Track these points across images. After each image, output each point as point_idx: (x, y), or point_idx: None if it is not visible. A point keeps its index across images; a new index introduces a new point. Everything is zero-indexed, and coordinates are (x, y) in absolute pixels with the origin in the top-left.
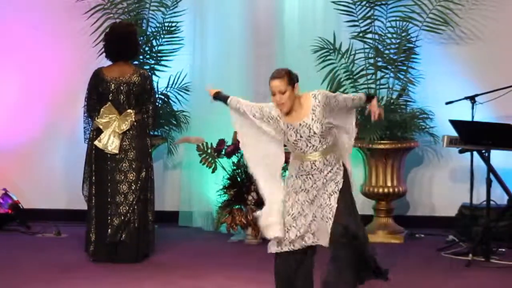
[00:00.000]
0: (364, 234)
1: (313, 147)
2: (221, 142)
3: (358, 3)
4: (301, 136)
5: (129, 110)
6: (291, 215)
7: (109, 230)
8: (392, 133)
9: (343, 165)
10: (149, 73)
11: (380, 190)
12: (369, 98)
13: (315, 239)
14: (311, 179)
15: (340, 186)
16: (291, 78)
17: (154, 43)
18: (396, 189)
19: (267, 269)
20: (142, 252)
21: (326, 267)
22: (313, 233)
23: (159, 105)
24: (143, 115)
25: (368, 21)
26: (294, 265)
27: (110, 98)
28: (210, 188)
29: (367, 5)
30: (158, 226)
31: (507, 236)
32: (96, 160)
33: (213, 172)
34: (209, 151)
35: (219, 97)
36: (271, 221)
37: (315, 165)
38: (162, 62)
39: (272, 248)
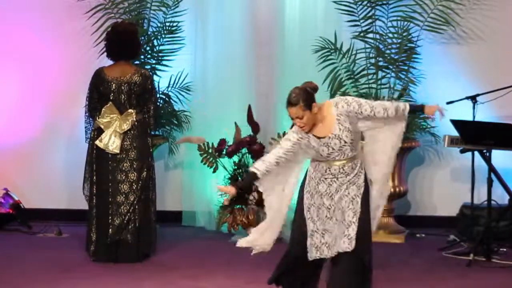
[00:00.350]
0: (370, 260)
1: (345, 155)
2: (222, 142)
3: (359, 3)
4: (333, 149)
5: (130, 110)
6: (320, 219)
7: (110, 230)
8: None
9: (364, 168)
10: (150, 73)
11: None
12: (416, 108)
13: (330, 252)
14: (336, 183)
15: (362, 189)
16: (307, 101)
17: (155, 43)
18: (397, 189)
19: (268, 269)
20: (143, 252)
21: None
22: (328, 245)
23: (160, 104)
24: (144, 115)
25: (369, 21)
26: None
27: (111, 98)
28: (211, 188)
29: (368, 4)
30: (159, 226)
31: (508, 236)
32: (97, 160)
33: (214, 172)
34: (210, 150)
35: (244, 185)
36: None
37: (344, 170)
38: (163, 62)
39: (311, 255)
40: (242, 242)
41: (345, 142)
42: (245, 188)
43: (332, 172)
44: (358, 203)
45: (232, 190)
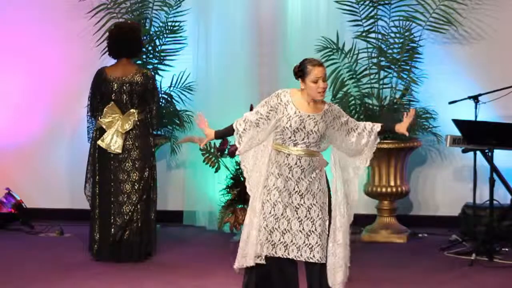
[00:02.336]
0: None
1: (307, 143)
2: (224, 141)
3: (362, 2)
4: (304, 127)
5: (132, 110)
6: (274, 215)
7: (112, 229)
8: (395, 132)
9: (326, 178)
10: (152, 73)
11: (383, 189)
12: (386, 128)
13: (299, 254)
14: (292, 180)
15: (327, 195)
16: None
17: (157, 43)
18: (399, 189)
19: None
20: (145, 252)
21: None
22: (298, 246)
23: (162, 104)
24: (146, 114)
25: (371, 20)
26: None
27: (113, 98)
28: (213, 187)
29: (370, 4)
30: (161, 226)
31: (510, 235)
32: (99, 160)
33: (216, 171)
34: (212, 150)
35: (221, 135)
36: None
37: (300, 162)
38: (165, 62)
39: (265, 250)
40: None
41: (318, 129)
42: (220, 137)
43: (289, 163)
44: (326, 210)
45: (211, 133)
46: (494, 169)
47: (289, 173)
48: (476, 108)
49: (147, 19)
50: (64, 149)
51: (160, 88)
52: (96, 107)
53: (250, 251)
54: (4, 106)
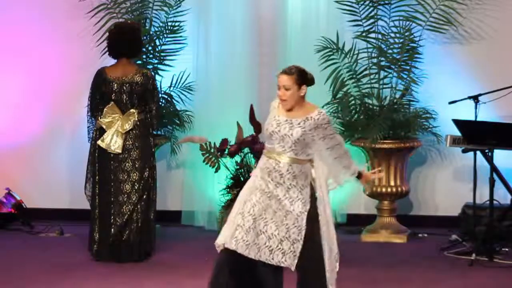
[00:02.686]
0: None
1: (282, 148)
2: (224, 141)
3: (362, 2)
4: (279, 130)
5: (132, 110)
6: (252, 215)
7: (112, 229)
8: (395, 132)
9: (312, 189)
10: (152, 73)
11: (383, 189)
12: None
13: (271, 257)
14: (271, 184)
15: (308, 207)
16: (300, 78)
17: (157, 43)
18: (399, 189)
19: None
20: (145, 252)
21: None
22: (271, 249)
23: (162, 104)
24: (146, 114)
25: (371, 20)
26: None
27: (113, 98)
28: (212, 187)
29: (370, 4)
30: (160, 226)
31: (510, 235)
32: (99, 160)
33: (216, 171)
34: (212, 150)
35: None
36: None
37: (279, 166)
38: (165, 62)
39: (239, 248)
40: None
41: (292, 134)
42: None
43: (268, 167)
44: (303, 220)
45: None
46: (494, 169)
47: (268, 176)
48: (476, 108)
49: (147, 19)
50: (64, 149)
51: (160, 88)
52: (96, 107)
53: (223, 234)
54: (4, 106)
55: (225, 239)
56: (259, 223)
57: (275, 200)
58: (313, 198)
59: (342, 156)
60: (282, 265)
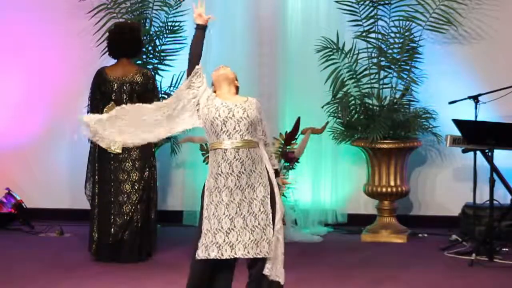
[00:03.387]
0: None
1: (240, 132)
2: None
3: (362, 2)
4: (233, 115)
5: None
6: (216, 216)
7: (112, 229)
8: (395, 132)
9: (266, 168)
10: (152, 73)
11: (383, 189)
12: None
13: (246, 251)
14: (233, 175)
15: (269, 189)
16: (236, 79)
17: (157, 43)
18: (399, 189)
19: None
20: (145, 252)
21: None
22: (245, 243)
23: None
24: None
25: (371, 20)
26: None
27: (113, 98)
28: None
29: (370, 4)
30: (161, 226)
31: (510, 235)
32: (99, 160)
33: None
34: None
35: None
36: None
37: (238, 154)
38: (165, 62)
39: (211, 253)
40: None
41: (248, 116)
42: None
43: (228, 157)
44: (268, 204)
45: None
46: (494, 169)
47: (229, 169)
48: (476, 108)
49: (147, 19)
50: (64, 149)
51: (160, 88)
52: (96, 107)
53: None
54: (4, 106)
55: (207, 250)
56: (225, 222)
57: (237, 191)
58: (270, 182)
59: (269, 145)
60: (258, 256)
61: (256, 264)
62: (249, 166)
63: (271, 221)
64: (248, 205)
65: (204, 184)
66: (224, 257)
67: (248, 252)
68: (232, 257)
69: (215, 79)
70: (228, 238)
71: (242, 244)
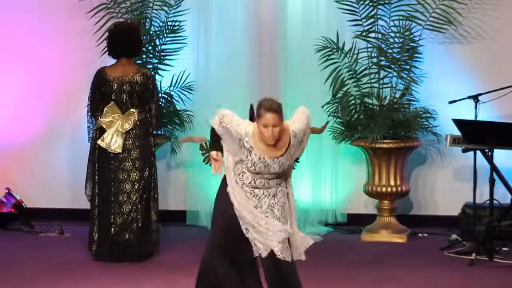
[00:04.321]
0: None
1: (275, 179)
2: None
3: (361, 2)
4: (268, 170)
5: (132, 110)
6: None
7: (112, 229)
8: (395, 132)
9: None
10: (152, 72)
11: (383, 189)
12: None
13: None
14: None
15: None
16: (282, 112)
17: (157, 42)
18: (399, 188)
19: None
20: (145, 252)
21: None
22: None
23: (162, 104)
24: (146, 114)
25: (371, 20)
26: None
27: (113, 98)
28: (214, 187)
29: (370, 4)
30: (162, 225)
31: (510, 235)
32: (99, 160)
33: None
34: None
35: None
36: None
37: (268, 184)
38: (165, 61)
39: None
40: None
41: (282, 169)
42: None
43: (256, 194)
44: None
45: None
46: (494, 169)
47: (255, 198)
48: (476, 107)
49: (147, 19)
50: (64, 149)
51: (160, 88)
52: (96, 107)
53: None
54: (4, 106)
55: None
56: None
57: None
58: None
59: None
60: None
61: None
62: (275, 193)
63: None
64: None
65: (220, 189)
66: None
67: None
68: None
69: (261, 125)
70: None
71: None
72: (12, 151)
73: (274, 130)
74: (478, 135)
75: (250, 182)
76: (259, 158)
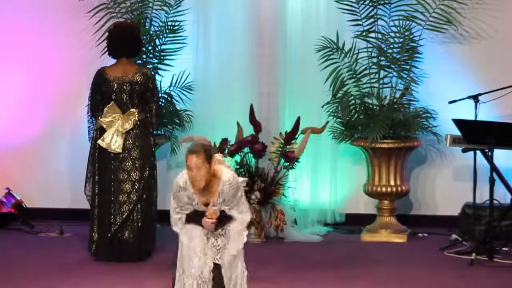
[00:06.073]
0: None
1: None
2: (224, 141)
3: (361, 2)
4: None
5: (132, 109)
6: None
7: (112, 229)
8: (395, 132)
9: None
10: (152, 72)
11: (383, 189)
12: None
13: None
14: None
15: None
16: (209, 155)
17: (157, 42)
18: (399, 188)
19: (270, 267)
20: (145, 251)
21: None
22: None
23: (162, 104)
24: (146, 114)
25: (371, 20)
26: None
27: (113, 98)
28: None
29: (370, 4)
30: (160, 225)
31: (510, 235)
32: (100, 159)
33: None
34: None
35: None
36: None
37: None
38: (165, 61)
39: None
40: None
41: (223, 211)
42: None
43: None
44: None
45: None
46: (494, 168)
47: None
48: (476, 107)
49: (147, 19)
50: (64, 149)
51: (160, 87)
52: (96, 107)
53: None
54: (4, 106)
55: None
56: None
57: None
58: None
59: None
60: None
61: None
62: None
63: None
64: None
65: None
66: None
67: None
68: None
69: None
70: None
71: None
72: (12, 151)
73: (197, 173)
74: (478, 135)
75: None
76: (197, 203)
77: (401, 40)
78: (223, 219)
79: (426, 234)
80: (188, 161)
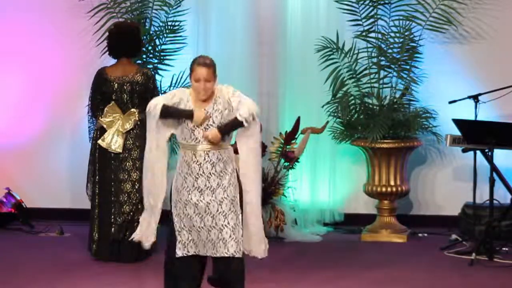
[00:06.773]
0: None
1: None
2: None
3: (361, 2)
4: (213, 122)
5: (132, 109)
6: (187, 215)
7: (112, 229)
8: (395, 132)
9: (236, 169)
10: (152, 72)
11: (383, 189)
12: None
13: (214, 250)
14: (204, 176)
15: (238, 189)
16: (216, 70)
17: (157, 42)
18: (399, 188)
19: (269, 267)
20: (145, 251)
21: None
22: (213, 242)
23: None
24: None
25: (371, 20)
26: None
27: (113, 98)
28: None
29: (370, 4)
30: (160, 225)
31: (510, 235)
32: (100, 160)
33: None
34: None
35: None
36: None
37: (209, 156)
38: (165, 61)
39: (179, 252)
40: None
41: (213, 122)
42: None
43: (197, 159)
44: (237, 204)
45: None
46: (494, 168)
47: (199, 170)
48: (476, 107)
49: (147, 19)
50: (64, 149)
51: (160, 87)
52: (96, 107)
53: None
54: (4, 106)
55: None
56: (196, 220)
57: (207, 191)
58: (239, 182)
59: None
60: (225, 255)
61: (221, 261)
62: (219, 167)
63: (240, 222)
64: (218, 204)
65: (172, 183)
66: (200, 253)
67: (217, 251)
68: (204, 254)
69: (193, 80)
70: (199, 235)
71: (211, 243)
72: (12, 151)
73: (207, 84)
74: (478, 135)
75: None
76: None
77: (401, 40)
78: (222, 128)
79: (426, 234)
80: (198, 72)
